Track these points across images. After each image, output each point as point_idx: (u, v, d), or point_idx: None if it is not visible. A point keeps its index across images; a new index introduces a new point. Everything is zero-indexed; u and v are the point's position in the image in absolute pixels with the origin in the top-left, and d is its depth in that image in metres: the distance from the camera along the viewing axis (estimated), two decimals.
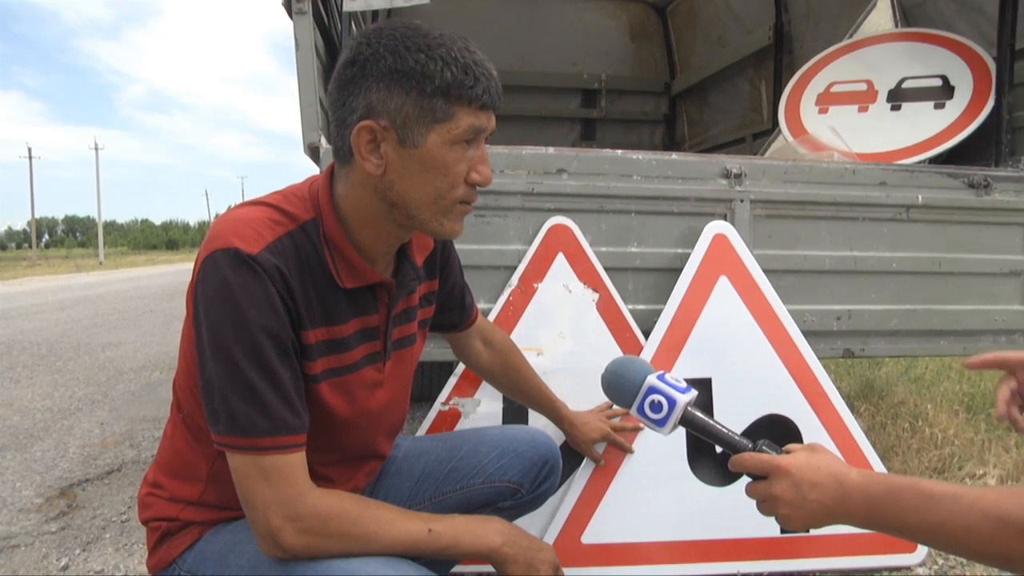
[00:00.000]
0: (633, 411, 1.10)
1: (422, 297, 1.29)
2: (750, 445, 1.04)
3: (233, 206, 1.11)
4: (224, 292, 0.98)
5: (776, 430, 1.92)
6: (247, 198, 1.19)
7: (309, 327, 1.06)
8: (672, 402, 1.06)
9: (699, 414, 1.07)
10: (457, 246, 1.90)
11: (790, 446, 1.03)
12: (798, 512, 0.96)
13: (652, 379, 1.08)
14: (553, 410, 1.72)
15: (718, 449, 1.91)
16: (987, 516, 0.81)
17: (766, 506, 1.01)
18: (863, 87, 2.84)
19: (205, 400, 1.01)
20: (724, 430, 1.07)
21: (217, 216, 1.11)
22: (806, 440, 1.93)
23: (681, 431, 1.11)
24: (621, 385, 1.11)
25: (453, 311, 1.46)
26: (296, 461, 1.02)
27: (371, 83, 1.00)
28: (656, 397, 1.07)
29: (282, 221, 1.05)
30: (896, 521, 0.89)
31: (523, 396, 1.69)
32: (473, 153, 1.05)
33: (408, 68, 0.98)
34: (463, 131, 1.02)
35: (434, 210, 1.06)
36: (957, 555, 0.87)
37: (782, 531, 1.90)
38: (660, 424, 1.07)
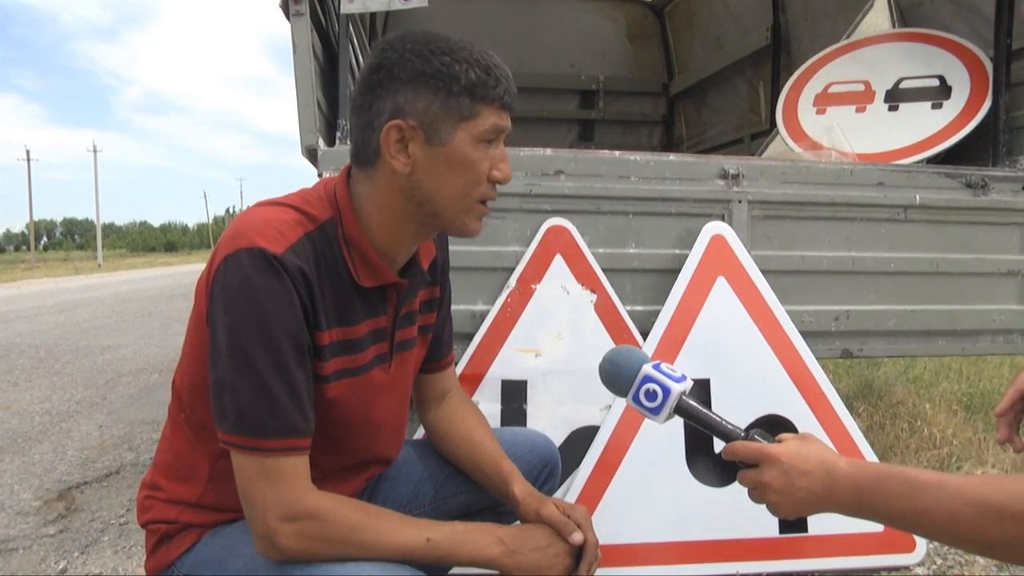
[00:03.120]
0: (629, 400, 1.11)
1: (423, 303, 1.29)
2: (743, 434, 1.05)
3: (241, 207, 1.10)
4: (246, 291, 0.98)
5: (774, 430, 1.92)
6: (246, 200, 1.20)
7: (324, 328, 1.07)
8: (667, 391, 1.06)
9: (693, 403, 1.08)
10: (455, 247, 1.90)
11: (782, 435, 1.04)
12: (787, 499, 0.98)
13: (648, 368, 1.09)
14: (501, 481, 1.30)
15: (716, 450, 1.92)
16: (969, 503, 0.82)
17: (756, 493, 1.02)
18: (861, 87, 2.84)
19: (214, 397, 1.01)
20: (718, 419, 1.08)
21: (234, 214, 1.11)
22: None
23: (678, 422, 1.12)
24: (617, 374, 1.12)
25: (439, 337, 1.38)
26: (299, 464, 1.02)
27: (398, 86, 1.04)
28: (651, 386, 1.08)
29: (302, 221, 1.07)
30: (883, 508, 0.90)
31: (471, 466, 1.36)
32: (494, 152, 1.10)
33: (434, 69, 1.03)
34: (487, 129, 1.07)
35: (458, 208, 1.10)
36: (941, 542, 0.89)
37: (781, 531, 1.90)
38: (655, 412, 1.08)
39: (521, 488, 1.25)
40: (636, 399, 1.09)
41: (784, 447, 1.00)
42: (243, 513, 1.03)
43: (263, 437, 0.99)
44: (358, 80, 1.09)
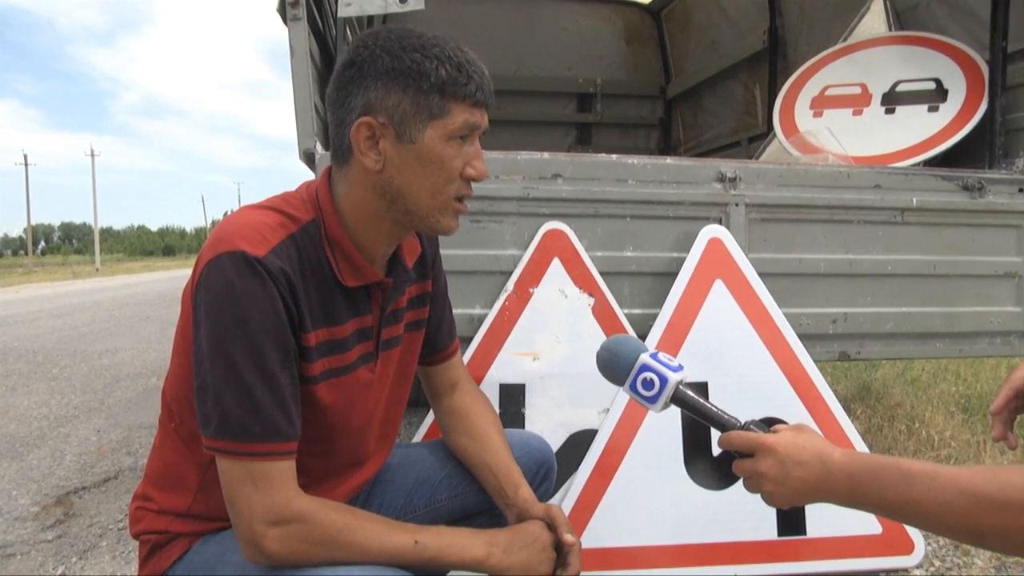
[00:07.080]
0: (626, 388, 1.11)
1: (412, 299, 1.29)
2: (739, 423, 1.06)
3: (234, 210, 1.11)
4: (228, 295, 0.98)
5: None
6: (244, 203, 1.19)
7: (311, 329, 1.07)
8: (664, 380, 1.07)
9: (690, 393, 1.08)
10: (453, 251, 1.91)
11: (778, 426, 1.05)
12: (782, 489, 0.98)
13: (645, 357, 1.09)
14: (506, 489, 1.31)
15: (714, 453, 1.93)
16: (962, 492, 0.83)
17: (752, 483, 1.03)
18: (857, 90, 2.85)
19: (198, 402, 1.01)
20: (714, 409, 1.08)
21: (218, 220, 1.11)
22: None
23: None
24: (615, 362, 1.12)
25: (438, 329, 1.38)
26: (285, 468, 1.02)
27: (369, 82, 1.04)
28: (648, 375, 1.08)
29: (285, 223, 1.07)
30: (876, 498, 0.91)
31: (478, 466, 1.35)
32: (468, 149, 1.09)
33: (404, 67, 1.02)
34: (458, 127, 1.06)
35: (431, 205, 1.09)
36: (933, 532, 0.90)
37: (779, 534, 1.90)
38: (651, 401, 1.08)
39: (528, 493, 1.28)
40: (633, 388, 1.10)
41: (779, 437, 1.00)
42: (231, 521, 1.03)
43: (247, 441, 0.99)
44: (332, 77, 1.09)
